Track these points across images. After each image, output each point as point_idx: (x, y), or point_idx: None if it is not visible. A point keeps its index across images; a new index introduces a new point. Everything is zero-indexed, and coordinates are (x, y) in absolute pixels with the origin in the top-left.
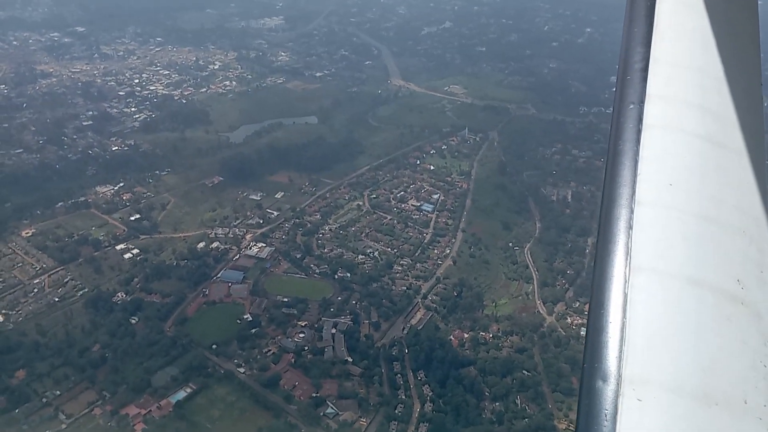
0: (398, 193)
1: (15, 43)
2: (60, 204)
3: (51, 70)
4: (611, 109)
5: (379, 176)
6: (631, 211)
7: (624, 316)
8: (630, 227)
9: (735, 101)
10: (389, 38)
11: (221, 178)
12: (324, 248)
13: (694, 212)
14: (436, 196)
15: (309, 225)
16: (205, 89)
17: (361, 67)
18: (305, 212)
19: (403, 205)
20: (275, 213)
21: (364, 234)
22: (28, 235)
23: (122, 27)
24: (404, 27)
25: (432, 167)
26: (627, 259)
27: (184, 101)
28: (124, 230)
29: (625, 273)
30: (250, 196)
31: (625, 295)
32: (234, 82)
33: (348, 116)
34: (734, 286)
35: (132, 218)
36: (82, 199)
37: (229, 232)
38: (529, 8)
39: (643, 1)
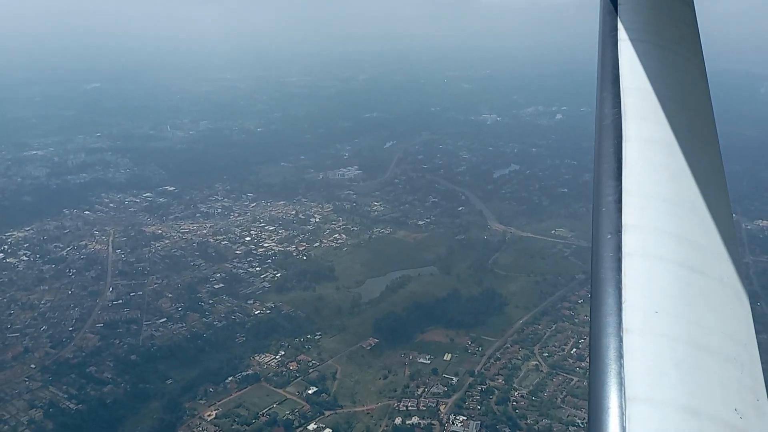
0: (571, 350)
1: (111, 204)
2: (230, 378)
3: (160, 231)
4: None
5: (540, 331)
6: (620, 340)
7: None
8: (621, 356)
9: (709, 229)
10: (467, 183)
11: (376, 340)
12: (527, 419)
13: (683, 340)
14: None
15: (497, 392)
16: (317, 244)
17: (456, 213)
18: (485, 376)
19: (583, 364)
20: (454, 378)
21: (559, 400)
22: (212, 417)
23: (210, 184)
24: (475, 171)
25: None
26: (621, 389)
27: (304, 258)
28: (307, 406)
29: (620, 404)
30: (419, 359)
31: (623, 428)
32: (344, 235)
33: (468, 265)
34: (733, 415)
35: (309, 391)
36: (251, 371)
37: (420, 404)
38: (587, 148)
39: (610, 139)
